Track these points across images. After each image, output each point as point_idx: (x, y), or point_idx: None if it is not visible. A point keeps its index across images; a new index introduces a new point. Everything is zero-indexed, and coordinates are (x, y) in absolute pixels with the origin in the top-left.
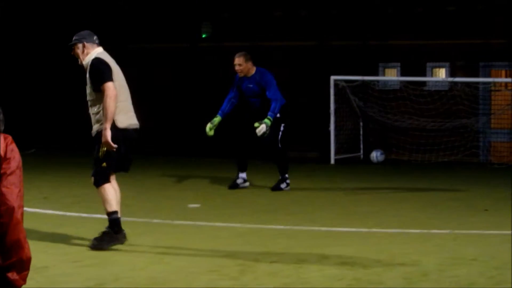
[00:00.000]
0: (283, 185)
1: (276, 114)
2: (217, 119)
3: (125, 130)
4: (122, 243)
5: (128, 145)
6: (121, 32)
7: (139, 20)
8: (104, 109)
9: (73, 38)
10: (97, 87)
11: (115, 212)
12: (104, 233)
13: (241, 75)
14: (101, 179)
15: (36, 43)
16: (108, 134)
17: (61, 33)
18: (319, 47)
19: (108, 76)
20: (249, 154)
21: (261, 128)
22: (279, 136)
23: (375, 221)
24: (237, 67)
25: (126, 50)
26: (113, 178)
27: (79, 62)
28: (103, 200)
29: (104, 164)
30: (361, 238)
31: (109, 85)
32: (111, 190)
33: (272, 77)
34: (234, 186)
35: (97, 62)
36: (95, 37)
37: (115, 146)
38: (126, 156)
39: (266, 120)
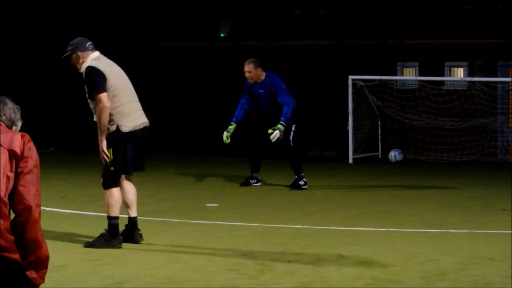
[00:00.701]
0: (301, 183)
1: (288, 119)
2: (232, 127)
3: (131, 133)
4: (115, 247)
5: (137, 145)
6: (140, 31)
7: (158, 19)
8: (97, 121)
9: (67, 49)
10: (91, 97)
11: (115, 218)
12: (101, 234)
13: (251, 81)
14: (109, 182)
15: (55, 41)
16: (103, 145)
17: (82, 30)
18: (337, 47)
19: (100, 87)
20: (263, 155)
21: (275, 135)
22: (291, 136)
23: (393, 220)
24: (246, 74)
25: (146, 49)
26: (128, 179)
27: (79, 71)
28: (106, 204)
29: (112, 168)
30: (379, 237)
31: (100, 97)
32: (116, 195)
33: (281, 81)
34: (246, 183)
35: (89, 72)
36: (88, 43)
37: (108, 159)
38: (138, 156)
39: (279, 125)
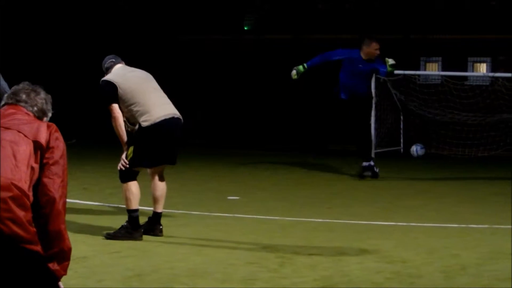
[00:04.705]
0: (376, 170)
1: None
2: (302, 67)
3: (154, 126)
4: (136, 239)
5: (164, 138)
6: (165, 24)
7: (183, 12)
8: (115, 131)
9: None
10: (106, 109)
11: (135, 211)
12: (122, 226)
13: (368, 57)
14: (125, 176)
15: (80, 32)
16: (123, 156)
17: (108, 23)
18: (361, 40)
19: (107, 99)
20: (369, 140)
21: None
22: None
23: (415, 215)
24: (377, 51)
25: (170, 42)
26: (159, 174)
27: None
28: (124, 197)
29: (128, 165)
30: (400, 232)
31: (110, 108)
32: (133, 189)
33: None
34: (373, 175)
35: (99, 86)
36: (109, 61)
37: (126, 165)
38: (163, 149)
39: None
